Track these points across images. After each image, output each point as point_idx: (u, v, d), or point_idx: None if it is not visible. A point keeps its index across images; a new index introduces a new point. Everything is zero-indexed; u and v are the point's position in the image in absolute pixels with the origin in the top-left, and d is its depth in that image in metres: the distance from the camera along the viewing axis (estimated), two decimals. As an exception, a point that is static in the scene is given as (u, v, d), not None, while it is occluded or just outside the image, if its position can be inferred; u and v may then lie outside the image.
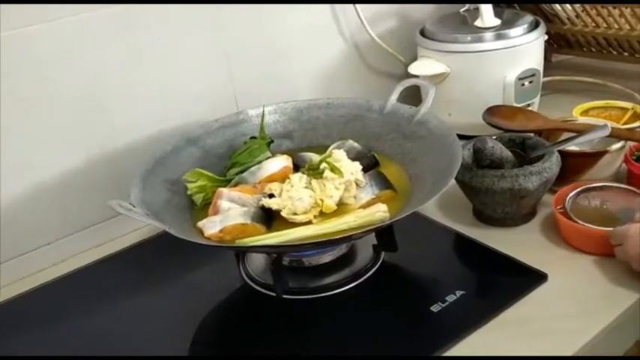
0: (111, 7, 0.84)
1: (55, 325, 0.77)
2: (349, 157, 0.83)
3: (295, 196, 0.73)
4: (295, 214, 0.74)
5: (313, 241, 0.69)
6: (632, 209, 0.76)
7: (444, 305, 0.71)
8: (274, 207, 0.74)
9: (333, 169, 0.76)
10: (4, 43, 0.78)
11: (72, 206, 0.89)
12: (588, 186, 0.81)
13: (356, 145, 0.86)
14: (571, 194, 0.81)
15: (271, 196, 0.76)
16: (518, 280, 0.74)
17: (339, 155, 0.79)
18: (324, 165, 0.77)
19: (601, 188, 0.81)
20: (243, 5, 0.97)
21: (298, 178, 0.76)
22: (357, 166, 0.79)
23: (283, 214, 0.73)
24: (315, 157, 0.85)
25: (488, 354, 0.64)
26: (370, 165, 0.84)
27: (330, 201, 0.75)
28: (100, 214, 0.91)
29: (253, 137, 0.89)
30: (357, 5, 1.09)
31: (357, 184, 0.78)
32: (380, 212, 0.72)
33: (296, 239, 0.70)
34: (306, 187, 0.75)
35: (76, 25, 0.83)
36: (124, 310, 0.78)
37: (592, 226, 0.75)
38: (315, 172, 0.77)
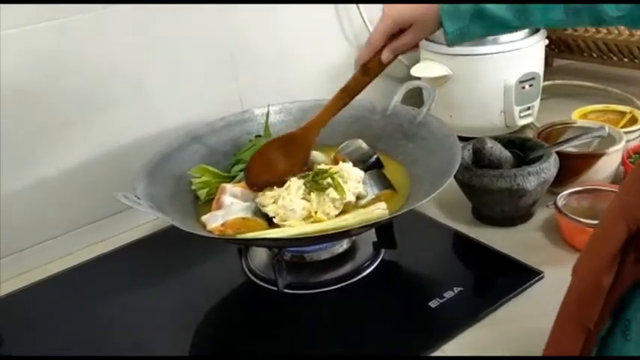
0: (118, 7, 0.86)
1: (57, 319, 0.78)
2: (355, 157, 0.84)
3: (288, 206, 0.73)
4: (286, 220, 0.74)
5: (313, 235, 0.71)
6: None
7: (441, 301, 0.72)
8: (268, 213, 0.74)
9: (337, 187, 0.75)
10: (10, 40, 0.79)
11: (75, 202, 0.91)
12: (580, 188, 0.83)
13: (364, 145, 0.87)
14: (563, 194, 0.82)
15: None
16: (514, 277, 0.75)
17: (348, 171, 0.78)
18: (328, 180, 0.75)
19: (592, 191, 0.82)
20: (249, 6, 0.99)
21: (296, 188, 0.75)
22: (360, 175, 0.79)
23: (275, 220, 0.74)
24: (318, 156, 0.87)
25: (484, 349, 0.66)
26: (374, 166, 0.85)
27: (324, 216, 0.74)
28: (103, 210, 0.93)
29: (258, 136, 0.91)
30: (361, 8, 1.11)
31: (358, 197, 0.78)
32: (379, 210, 0.73)
33: (296, 234, 0.71)
34: (303, 198, 0.74)
35: (83, 24, 0.84)
36: (127, 304, 0.80)
37: (592, 221, 0.75)
38: (318, 185, 0.75)
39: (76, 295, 0.83)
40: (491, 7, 0.61)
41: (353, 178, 0.77)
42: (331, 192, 0.75)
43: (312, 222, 0.73)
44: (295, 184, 0.76)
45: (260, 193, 0.77)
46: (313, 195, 0.74)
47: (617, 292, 0.48)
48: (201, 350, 0.72)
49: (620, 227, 0.47)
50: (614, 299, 0.48)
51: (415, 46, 0.71)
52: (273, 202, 0.74)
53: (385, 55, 0.71)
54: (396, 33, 0.69)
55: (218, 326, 0.76)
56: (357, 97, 0.98)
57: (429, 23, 0.66)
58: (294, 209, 0.73)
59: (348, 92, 0.77)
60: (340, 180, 0.75)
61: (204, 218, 0.75)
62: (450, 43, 0.66)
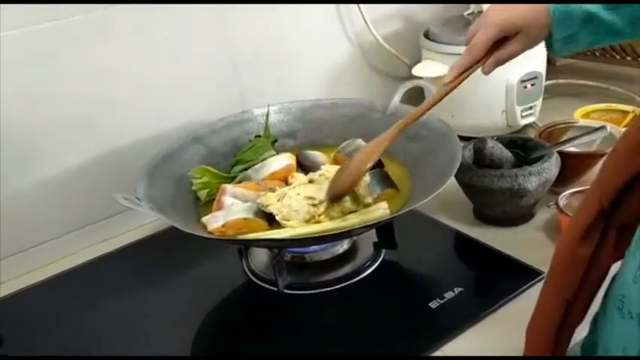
0: (119, 8, 0.86)
1: (58, 319, 0.78)
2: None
3: (294, 206, 0.73)
4: (288, 220, 0.74)
5: (314, 235, 0.71)
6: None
7: (442, 302, 0.72)
8: (271, 211, 0.74)
9: (356, 199, 0.74)
10: (12, 40, 0.79)
11: (77, 202, 0.91)
12: (582, 188, 0.82)
13: (364, 144, 0.87)
14: (565, 194, 0.82)
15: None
16: (515, 278, 0.75)
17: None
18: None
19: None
20: (250, 6, 0.99)
21: (303, 190, 0.74)
22: (367, 181, 0.78)
23: (278, 218, 0.73)
24: (318, 156, 0.87)
25: (484, 349, 0.66)
26: (375, 166, 0.85)
27: (327, 219, 0.74)
28: (104, 210, 0.93)
29: (258, 136, 0.91)
30: (362, 7, 1.11)
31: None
32: (380, 210, 0.73)
33: (297, 234, 0.71)
34: (311, 204, 0.74)
35: (85, 24, 0.84)
36: (128, 305, 0.80)
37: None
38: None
39: (77, 295, 0.83)
40: (603, 14, 0.58)
41: (364, 186, 0.77)
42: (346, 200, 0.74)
43: (314, 223, 0.73)
44: (302, 184, 0.76)
45: (262, 193, 0.77)
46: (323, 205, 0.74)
47: (599, 268, 0.50)
48: (201, 350, 0.72)
49: (593, 201, 0.49)
50: (597, 275, 0.50)
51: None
52: (278, 200, 0.74)
53: (488, 68, 0.67)
54: (498, 41, 0.65)
55: (219, 326, 0.76)
56: (357, 96, 0.99)
57: (538, 31, 0.62)
58: (299, 210, 0.73)
59: (433, 101, 0.72)
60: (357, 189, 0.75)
61: (204, 219, 0.75)
62: (556, 52, 0.62)
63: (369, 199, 0.76)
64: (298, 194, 0.74)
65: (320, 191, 0.75)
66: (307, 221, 0.73)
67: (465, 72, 0.68)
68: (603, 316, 0.50)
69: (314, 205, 0.74)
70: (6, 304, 0.82)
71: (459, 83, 0.69)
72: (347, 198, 0.74)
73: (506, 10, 0.63)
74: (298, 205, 0.73)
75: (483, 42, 0.65)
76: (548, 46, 0.63)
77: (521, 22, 0.63)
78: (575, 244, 0.49)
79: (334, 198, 0.73)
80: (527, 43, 0.64)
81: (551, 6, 0.61)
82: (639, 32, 0.59)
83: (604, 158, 0.53)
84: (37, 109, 0.84)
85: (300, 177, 0.80)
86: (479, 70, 0.70)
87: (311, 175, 0.79)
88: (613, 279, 0.50)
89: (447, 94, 0.70)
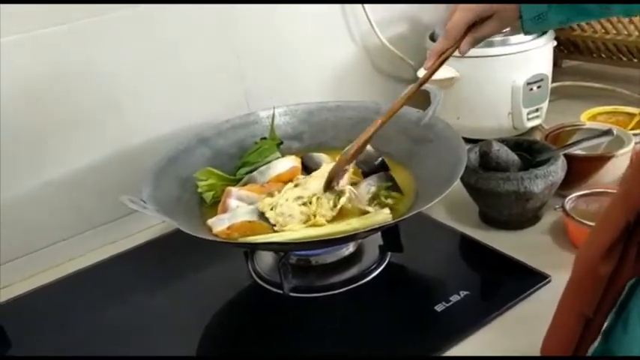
0: (127, 9, 0.87)
1: (65, 320, 0.79)
2: (360, 160, 0.84)
3: (286, 212, 0.74)
4: (286, 226, 0.74)
5: (319, 239, 0.71)
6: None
7: (448, 305, 0.72)
8: (269, 219, 0.74)
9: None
10: (21, 43, 0.80)
11: (84, 204, 0.91)
12: (588, 191, 0.82)
13: (369, 147, 0.87)
14: (571, 197, 0.81)
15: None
16: (521, 281, 0.74)
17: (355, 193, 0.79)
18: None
19: (600, 194, 0.82)
20: (256, 7, 0.99)
21: (291, 195, 0.75)
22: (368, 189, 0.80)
23: (276, 228, 0.74)
24: (324, 159, 0.87)
25: (490, 352, 0.65)
26: (379, 169, 0.85)
27: (322, 219, 0.74)
28: (111, 212, 0.93)
29: (264, 138, 0.91)
30: (367, 9, 1.11)
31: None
32: (383, 214, 0.73)
33: (301, 237, 0.71)
34: (302, 204, 0.75)
35: (92, 27, 0.85)
36: (135, 306, 0.80)
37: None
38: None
39: (85, 297, 0.83)
40: None
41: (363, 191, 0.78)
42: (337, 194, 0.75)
43: (312, 225, 0.74)
44: (290, 190, 0.76)
45: (263, 196, 0.77)
46: (314, 200, 0.75)
47: (618, 284, 0.48)
48: (207, 352, 0.72)
49: (619, 216, 0.47)
50: (616, 291, 0.48)
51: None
52: (271, 210, 0.74)
53: (465, 48, 0.71)
54: (472, 24, 0.69)
55: (224, 329, 0.76)
56: (362, 99, 0.98)
57: (510, 12, 0.66)
58: (292, 214, 0.73)
59: (420, 83, 0.76)
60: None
61: (210, 222, 0.75)
62: (527, 31, 0.65)
63: (370, 208, 0.76)
64: (287, 200, 0.75)
65: (306, 190, 0.75)
66: (306, 222, 0.74)
67: (442, 55, 0.72)
68: (622, 326, 0.49)
69: (304, 204, 0.74)
70: (14, 305, 0.83)
71: (439, 66, 0.73)
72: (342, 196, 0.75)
73: None
74: (290, 210, 0.74)
75: (460, 25, 0.69)
76: (521, 26, 0.66)
77: (494, 5, 0.67)
78: (597, 261, 0.47)
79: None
80: (500, 24, 0.68)
81: None
82: (608, 12, 0.61)
83: (629, 166, 0.52)
84: (45, 111, 0.84)
85: (288, 185, 0.80)
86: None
87: (296, 179, 0.80)
88: (631, 289, 0.49)
89: (429, 77, 0.74)
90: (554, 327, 0.53)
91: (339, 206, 0.75)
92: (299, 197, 0.75)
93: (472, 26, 0.69)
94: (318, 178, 0.78)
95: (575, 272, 0.51)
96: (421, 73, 1.06)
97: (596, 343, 0.51)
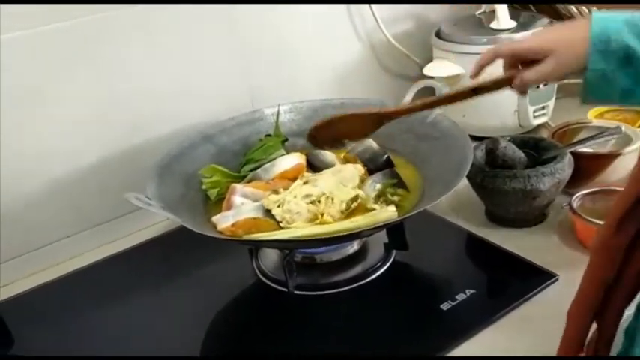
0: (130, 7, 0.86)
1: (68, 318, 0.78)
2: (365, 157, 0.84)
3: (294, 209, 0.73)
4: (292, 223, 0.74)
5: (324, 237, 0.70)
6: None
7: (453, 303, 0.71)
8: (275, 216, 0.74)
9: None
10: (23, 40, 0.80)
11: (87, 202, 0.91)
12: (595, 189, 0.81)
13: (374, 145, 0.87)
14: (578, 195, 0.81)
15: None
16: (528, 280, 0.74)
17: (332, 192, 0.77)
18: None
19: (607, 192, 0.81)
20: (260, 5, 0.99)
21: (300, 192, 0.75)
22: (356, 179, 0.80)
23: (282, 225, 0.74)
24: (329, 156, 0.86)
25: (496, 352, 0.65)
26: (385, 166, 0.85)
27: (330, 218, 0.74)
28: (114, 210, 0.93)
29: (268, 135, 0.91)
30: (373, 7, 1.10)
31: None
32: (388, 211, 0.73)
33: (306, 234, 0.71)
34: (310, 203, 0.74)
35: (96, 24, 0.84)
36: (139, 304, 0.80)
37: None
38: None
39: (88, 294, 0.83)
40: None
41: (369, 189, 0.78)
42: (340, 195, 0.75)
43: (319, 223, 0.73)
44: (299, 187, 0.76)
45: (268, 193, 0.77)
46: (323, 199, 0.74)
47: (638, 255, 0.49)
48: (211, 350, 0.72)
49: (630, 189, 0.48)
50: (637, 260, 0.49)
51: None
52: (278, 207, 0.74)
53: (516, 86, 0.66)
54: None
55: (229, 326, 0.75)
56: (368, 96, 0.98)
57: (571, 57, 0.59)
58: (300, 212, 0.73)
59: (448, 100, 0.73)
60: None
61: (214, 219, 0.75)
62: (585, 96, 0.60)
63: (375, 206, 0.76)
64: (295, 197, 0.74)
65: (315, 188, 0.75)
66: (312, 220, 0.73)
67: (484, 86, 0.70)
68: None
69: (312, 203, 0.74)
70: (17, 302, 0.82)
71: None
72: (352, 195, 0.75)
73: (545, 32, 0.64)
74: (298, 208, 0.73)
75: (491, 55, 0.67)
76: (583, 81, 0.60)
77: (550, 44, 0.61)
78: (610, 233, 0.49)
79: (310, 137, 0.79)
80: (556, 67, 0.61)
81: (591, 31, 0.58)
82: None
83: (633, 168, 0.51)
84: (48, 109, 0.84)
85: (297, 181, 0.80)
86: (491, 71, 0.70)
87: (305, 177, 0.79)
88: None
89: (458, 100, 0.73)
90: (579, 292, 0.53)
91: (350, 210, 0.75)
92: (307, 195, 0.74)
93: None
94: (328, 177, 0.77)
95: (594, 242, 0.52)
96: (428, 70, 1.06)
97: (621, 337, 0.51)
